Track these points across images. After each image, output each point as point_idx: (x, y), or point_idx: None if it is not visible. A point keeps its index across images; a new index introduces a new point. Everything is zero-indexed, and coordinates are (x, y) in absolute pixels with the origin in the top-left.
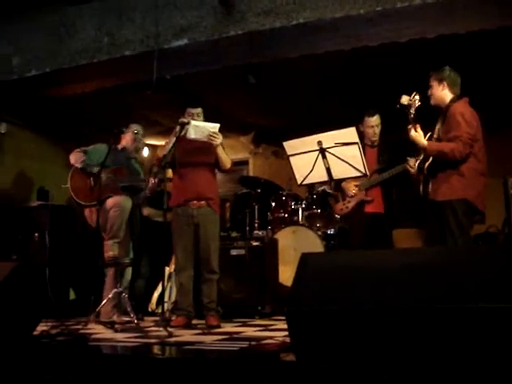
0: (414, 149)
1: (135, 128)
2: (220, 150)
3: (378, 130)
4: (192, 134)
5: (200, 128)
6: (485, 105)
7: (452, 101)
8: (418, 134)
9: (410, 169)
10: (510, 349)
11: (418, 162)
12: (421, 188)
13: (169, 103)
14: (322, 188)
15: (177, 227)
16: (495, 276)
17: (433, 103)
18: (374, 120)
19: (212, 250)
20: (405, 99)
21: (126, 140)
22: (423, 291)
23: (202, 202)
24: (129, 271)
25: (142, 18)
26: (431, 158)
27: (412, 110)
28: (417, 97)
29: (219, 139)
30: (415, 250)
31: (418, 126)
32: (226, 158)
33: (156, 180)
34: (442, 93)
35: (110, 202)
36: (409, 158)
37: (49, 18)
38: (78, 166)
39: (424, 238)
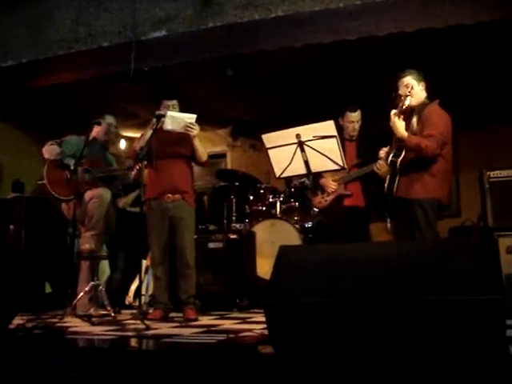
0: (390, 143)
1: (109, 120)
2: (197, 142)
3: (357, 126)
4: (169, 124)
5: (176, 119)
6: (463, 100)
7: (426, 100)
8: (400, 123)
9: (377, 171)
10: (483, 340)
11: (390, 156)
12: (386, 184)
13: (146, 95)
14: (302, 180)
15: (151, 221)
16: (470, 269)
17: (413, 103)
18: (356, 116)
19: (187, 243)
20: (403, 91)
21: (97, 131)
22: (400, 284)
23: (177, 196)
24: (106, 265)
25: (119, 9)
26: (403, 154)
27: (406, 102)
28: (413, 91)
29: (196, 130)
30: (392, 243)
31: (401, 117)
32: (203, 150)
33: (138, 168)
34: (421, 92)
35: (88, 193)
36: (378, 159)
37: (26, 8)
38: (54, 158)
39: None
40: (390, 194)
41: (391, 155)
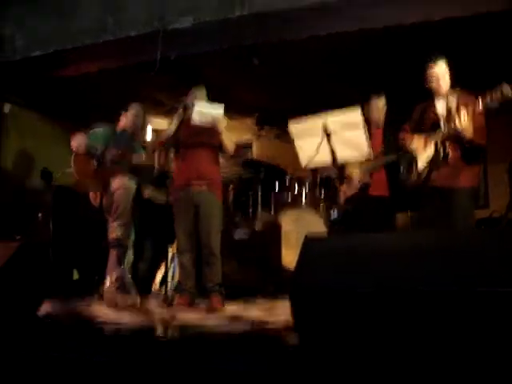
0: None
1: (136, 108)
2: (224, 135)
3: (383, 113)
4: (196, 119)
5: (204, 113)
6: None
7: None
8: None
9: None
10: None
11: (440, 148)
12: (423, 174)
13: (174, 84)
14: (326, 173)
15: (177, 209)
16: (498, 260)
17: (446, 89)
18: (380, 102)
19: (212, 232)
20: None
21: (124, 122)
22: (426, 274)
23: (204, 184)
24: (130, 253)
25: None
26: (448, 144)
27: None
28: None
29: (223, 124)
30: (419, 232)
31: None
32: (230, 142)
33: (163, 158)
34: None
35: (115, 183)
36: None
37: None
38: (82, 150)
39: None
40: (424, 184)
41: (440, 147)
